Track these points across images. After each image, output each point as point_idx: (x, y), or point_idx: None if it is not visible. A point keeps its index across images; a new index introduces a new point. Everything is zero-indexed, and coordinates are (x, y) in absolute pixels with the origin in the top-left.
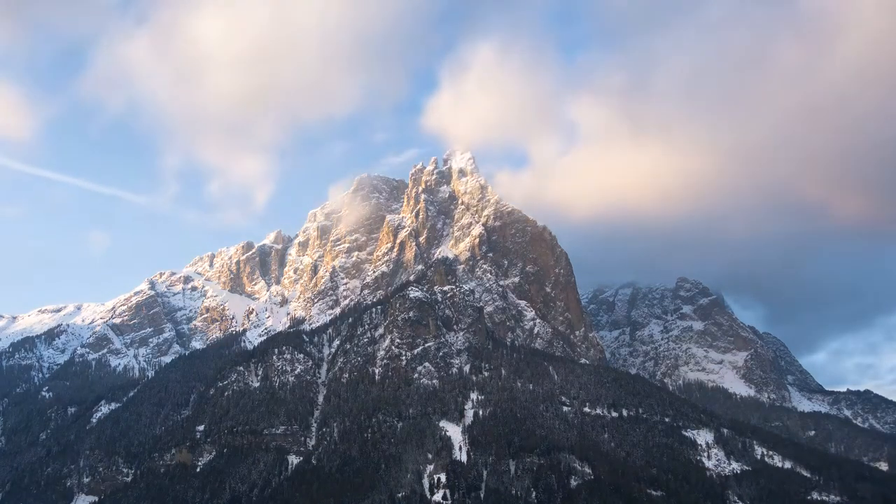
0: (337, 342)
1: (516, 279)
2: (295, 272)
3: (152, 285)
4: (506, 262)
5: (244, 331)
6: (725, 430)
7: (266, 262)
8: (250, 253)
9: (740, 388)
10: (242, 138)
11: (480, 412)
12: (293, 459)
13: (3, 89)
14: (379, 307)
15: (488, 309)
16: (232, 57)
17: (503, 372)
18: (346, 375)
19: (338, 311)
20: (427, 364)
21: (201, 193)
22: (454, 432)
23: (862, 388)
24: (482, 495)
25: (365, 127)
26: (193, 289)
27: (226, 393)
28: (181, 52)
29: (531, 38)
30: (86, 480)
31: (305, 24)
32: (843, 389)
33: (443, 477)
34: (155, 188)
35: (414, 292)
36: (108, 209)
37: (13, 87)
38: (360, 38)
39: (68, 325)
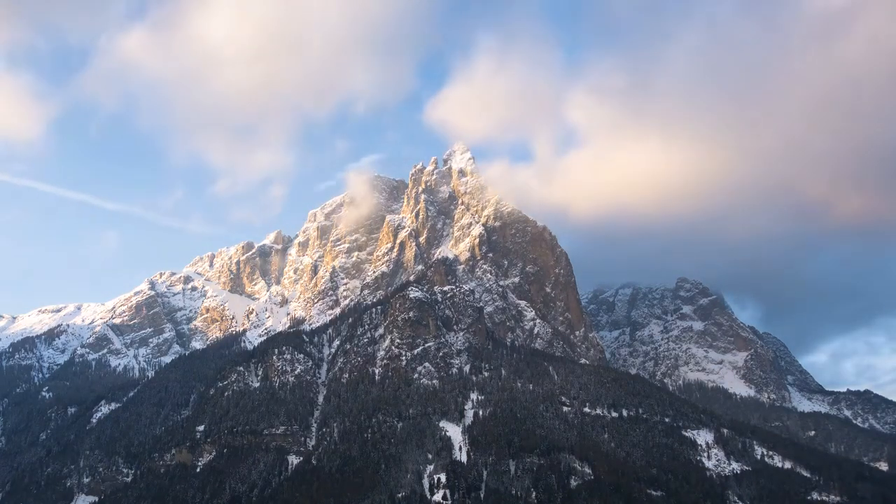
0: (337, 342)
1: (516, 279)
2: (295, 272)
3: (152, 285)
4: (506, 263)
5: (244, 331)
6: (725, 431)
7: (266, 263)
8: (250, 253)
9: (740, 388)
10: (247, 136)
11: (480, 412)
12: (293, 459)
13: (7, 89)
14: (379, 307)
15: (488, 309)
16: (236, 54)
17: (503, 372)
18: (346, 375)
19: (338, 311)
20: (427, 364)
21: (206, 193)
22: (454, 432)
23: (862, 389)
24: (482, 495)
25: (368, 124)
26: (193, 289)
27: (226, 393)
28: (186, 49)
29: (532, 37)
30: (86, 480)
31: (309, 21)
32: (843, 389)
33: (443, 477)
34: (160, 188)
35: (414, 292)
36: (110, 210)
37: (16, 87)
38: (364, 36)
39: (68, 326)
